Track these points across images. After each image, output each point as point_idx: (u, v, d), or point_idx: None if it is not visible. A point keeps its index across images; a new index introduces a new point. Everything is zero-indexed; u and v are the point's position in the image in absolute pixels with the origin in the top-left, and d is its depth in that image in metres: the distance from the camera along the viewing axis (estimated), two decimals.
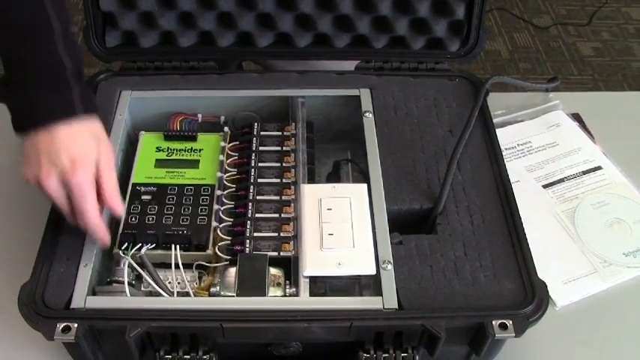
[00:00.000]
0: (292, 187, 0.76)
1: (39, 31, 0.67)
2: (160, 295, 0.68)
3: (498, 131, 0.82)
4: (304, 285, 0.67)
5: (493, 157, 0.78)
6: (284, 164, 0.78)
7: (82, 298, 0.64)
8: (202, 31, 0.88)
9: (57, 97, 0.66)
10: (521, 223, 0.72)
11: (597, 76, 2.18)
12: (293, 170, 0.77)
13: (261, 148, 0.80)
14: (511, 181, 0.76)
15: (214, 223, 0.73)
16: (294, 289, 0.67)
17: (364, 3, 0.87)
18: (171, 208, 0.74)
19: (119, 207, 0.69)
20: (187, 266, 0.72)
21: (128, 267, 0.69)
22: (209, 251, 0.71)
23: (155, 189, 0.76)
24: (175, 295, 0.69)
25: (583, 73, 2.19)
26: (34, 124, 0.65)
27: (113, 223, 0.73)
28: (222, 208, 0.75)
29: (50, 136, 0.65)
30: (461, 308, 0.65)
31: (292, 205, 0.74)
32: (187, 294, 0.70)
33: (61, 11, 0.68)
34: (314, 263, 0.67)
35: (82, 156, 0.65)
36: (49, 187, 0.65)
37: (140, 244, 0.70)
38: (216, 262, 0.71)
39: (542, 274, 0.67)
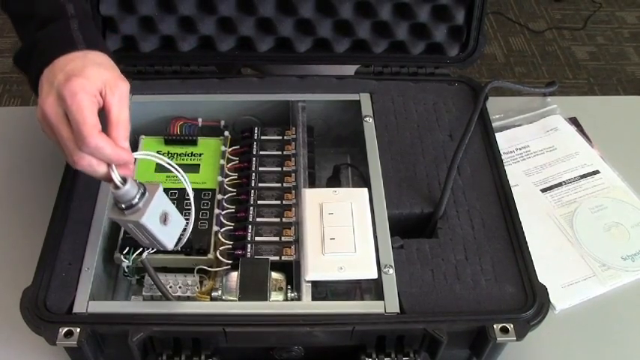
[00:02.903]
0: (293, 191, 0.76)
1: None
2: (161, 299, 0.69)
3: (496, 135, 0.83)
4: (306, 289, 0.67)
5: (493, 162, 0.79)
6: (284, 168, 0.79)
7: (84, 303, 0.64)
8: (202, 36, 0.88)
9: (56, 34, 0.64)
10: (522, 227, 0.72)
11: (592, 80, 2.19)
12: (294, 174, 0.78)
13: (261, 153, 0.80)
14: None
15: (215, 228, 0.73)
16: (296, 294, 0.67)
17: (364, 8, 0.87)
18: None
19: (122, 140, 0.59)
20: (188, 270, 0.72)
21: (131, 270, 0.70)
22: (210, 255, 0.72)
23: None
24: (177, 299, 0.70)
25: (578, 77, 2.20)
26: (41, 68, 0.61)
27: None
28: (223, 213, 0.75)
29: (52, 67, 0.60)
30: (462, 312, 0.65)
31: (293, 209, 0.74)
32: (189, 298, 0.70)
33: None
34: (316, 268, 0.68)
35: (79, 71, 0.58)
36: (47, 110, 0.58)
37: (141, 249, 0.70)
38: (218, 267, 0.71)
39: (541, 277, 0.68)
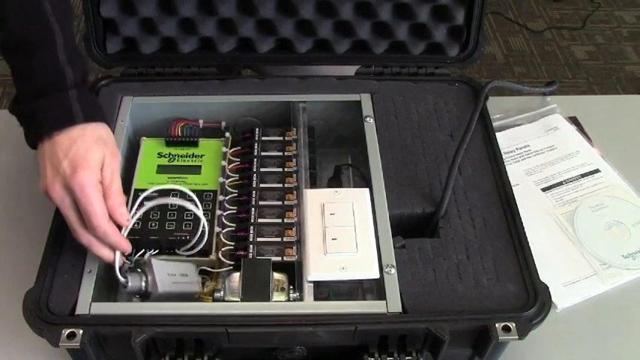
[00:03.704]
0: (294, 192, 0.76)
1: (41, 44, 0.68)
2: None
3: (497, 135, 0.83)
4: (308, 289, 0.67)
5: (493, 161, 0.79)
6: (286, 169, 0.79)
7: (86, 305, 0.65)
8: (203, 37, 0.88)
9: (55, 106, 0.67)
10: (523, 226, 0.72)
11: (592, 80, 2.19)
12: (295, 175, 0.78)
13: (262, 154, 0.80)
14: None
15: (217, 229, 0.73)
16: (298, 294, 0.67)
17: (364, 8, 0.87)
18: (174, 213, 0.74)
19: (119, 213, 0.65)
20: None
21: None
22: (212, 256, 0.72)
23: (157, 195, 0.76)
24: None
25: (577, 77, 2.20)
26: (40, 136, 0.66)
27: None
28: (224, 214, 0.75)
29: (53, 145, 0.65)
30: (464, 311, 0.65)
31: (295, 209, 0.74)
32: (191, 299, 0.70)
33: (64, 22, 0.69)
34: (318, 268, 0.68)
35: (82, 159, 0.64)
36: (54, 196, 0.64)
37: (143, 250, 0.70)
38: (220, 268, 0.71)
39: (542, 276, 0.68)
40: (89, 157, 0.64)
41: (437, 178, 0.77)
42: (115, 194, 0.66)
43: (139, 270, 0.67)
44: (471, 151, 0.80)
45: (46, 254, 0.69)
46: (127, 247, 0.67)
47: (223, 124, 0.85)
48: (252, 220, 0.73)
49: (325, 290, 0.70)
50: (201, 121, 0.85)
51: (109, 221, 0.64)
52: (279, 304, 0.66)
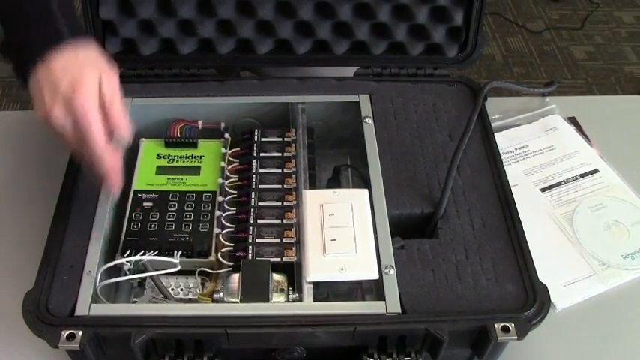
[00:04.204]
0: (293, 192, 0.76)
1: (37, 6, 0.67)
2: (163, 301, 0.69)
3: (496, 135, 0.83)
4: (307, 290, 0.67)
5: (492, 162, 0.79)
6: (285, 170, 0.79)
7: (86, 305, 0.65)
8: (202, 39, 0.88)
9: (44, 30, 0.67)
10: (522, 227, 0.72)
11: (590, 80, 2.20)
12: (294, 176, 0.78)
13: (261, 155, 0.80)
14: None
15: (216, 230, 0.73)
16: (298, 295, 0.67)
17: (363, 9, 0.87)
18: (173, 214, 0.75)
19: (124, 125, 0.65)
20: (190, 272, 0.72)
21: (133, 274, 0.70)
22: (211, 257, 0.72)
23: (156, 196, 0.76)
24: (179, 301, 0.70)
25: (576, 77, 2.20)
26: (33, 64, 0.65)
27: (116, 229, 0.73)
28: (224, 215, 0.75)
29: (47, 68, 0.64)
30: (463, 312, 0.65)
31: (294, 210, 0.74)
32: (190, 300, 0.70)
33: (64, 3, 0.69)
34: (317, 268, 0.68)
35: (80, 77, 0.63)
36: (56, 118, 0.63)
37: (142, 251, 0.71)
38: (219, 269, 0.71)
39: (541, 276, 0.68)
40: (85, 78, 0.64)
41: (436, 178, 0.77)
42: (117, 111, 0.65)
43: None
44: (470, 152, 0.80)
45: (46, 255, 0.69)
46: (115, 164, 0.66)
47: (222, 125, 0.85)
48: (252, 221, 0.73)
49: (324, 291, 0.70)
50: (200, 122, 0.85)
51: (106, 145, 0.64)
52: (278, 304, 0.66)
